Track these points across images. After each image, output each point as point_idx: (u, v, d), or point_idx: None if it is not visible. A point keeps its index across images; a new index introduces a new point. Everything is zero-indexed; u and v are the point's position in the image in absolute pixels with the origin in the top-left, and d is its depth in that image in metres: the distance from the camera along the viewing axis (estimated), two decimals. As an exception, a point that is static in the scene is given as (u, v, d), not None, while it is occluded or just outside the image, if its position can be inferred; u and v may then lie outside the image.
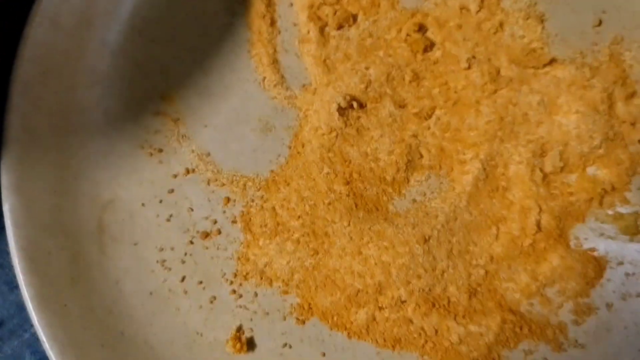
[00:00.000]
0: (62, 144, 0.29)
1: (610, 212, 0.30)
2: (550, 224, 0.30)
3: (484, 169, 0.30)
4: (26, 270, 0.26)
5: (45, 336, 0.26)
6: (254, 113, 0.31)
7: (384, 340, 0.29)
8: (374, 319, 0.29)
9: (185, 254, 0.30)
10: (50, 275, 0.27)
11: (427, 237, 0.29)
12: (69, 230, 0.28)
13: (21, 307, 0.31)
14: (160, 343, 0.28)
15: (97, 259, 0.29)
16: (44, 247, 0.27)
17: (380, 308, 0.29)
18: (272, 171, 0.30)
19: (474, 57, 0.31)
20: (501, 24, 0.32)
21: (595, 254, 0.29)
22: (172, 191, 0.30)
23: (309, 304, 0.29)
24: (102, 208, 0.29)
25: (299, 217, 0.30)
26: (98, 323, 0.27)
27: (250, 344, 0.29)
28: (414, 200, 0.30)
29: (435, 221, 0.29)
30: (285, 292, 0.29)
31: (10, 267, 0.30)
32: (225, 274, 0.29)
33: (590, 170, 0.30)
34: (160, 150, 0.31)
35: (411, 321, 0.29)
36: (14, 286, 0.31)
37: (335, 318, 0.29)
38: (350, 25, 0.32)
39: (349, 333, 0.29)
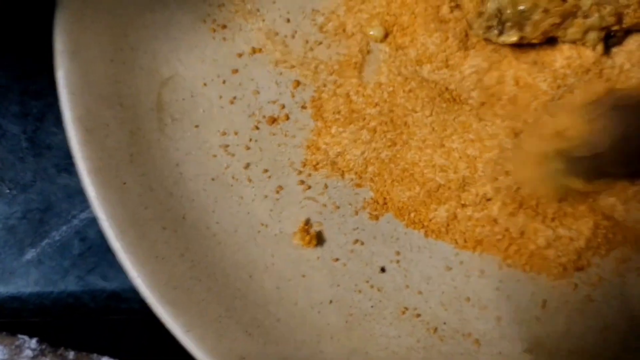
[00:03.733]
0: (119, 10, 0.26)
1: None
2: (651, 126, 0.27)
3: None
4: (83, 141, 0.24)
5: (104, 213, 0.24)
6: (327, -9, 0.28)
7: (465, 241, 0.26)
8: (455, 217, 0.26)
9: (250, 140, 0.27)
10: (108, 149, 0.24)
11: (517, 131, 0.26)
12: (127, 104, 0.26)
13: (69, 192, 0.29)
14: (223, 231, 0.26)
15: (157, 137, 0.26)
16: (101, 118, 0.25)
17: (463, 205, 0.26)
18: (346, 54, 0.28)
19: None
20: None
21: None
22: (236, 71, 0.27)
23: (384, 199, 0.27)
24: (161, 84, 0.27)
25: (375, 104, 0.27)
26: (159, 204, 0.25)
27: (319, 238, 0.26)
28: (502, 94, 0.27)
29: (527, 115, 0.27)
30: (359, 185, 0.27)
31: (58, 149, 0.28)
32: (293, 163, 0.27)
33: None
34: (224, 27, 0.28)
35: (496, 221, 0.26)
36: (62, 169, 0.29)
37: (412, 215, 0.26)
38: None
39: (426, 231, 0.26)
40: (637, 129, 0.24)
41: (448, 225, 0.26)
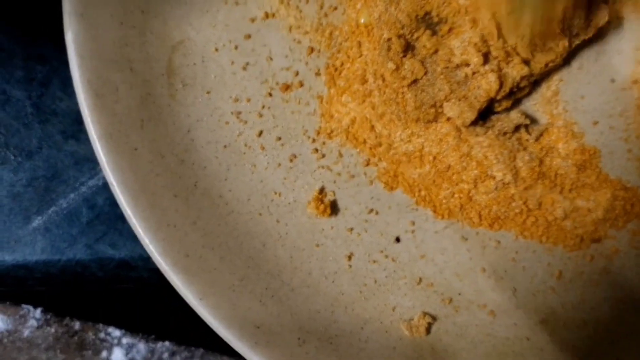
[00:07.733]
0: (129, -29, 0.25)
1: None
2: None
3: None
4: (93, 106, 0.23)
5: (115, 180, 0.23)
6: (342, -45, 0.27)
7: (480, 220, 0.26)
8: (470, 199, 0.26)
9: (263, 107, 0.26)
10: (118, 114, 0.24)
11: (536, 101, 0.26)
12: (137, 68, 0.25)
13: (77, 159, 0.28)
14: (236, 199, 0.25)
15: (167, 103, 0.25)
16: (111, 82, 0.24)
17: (477, 187, 0.26)
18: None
19: None
20: None
21: None
22: (249, 37, 0.27)
23: (395, 172, 0.26)
24: (172, 49, 0.26)
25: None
26: (170, 171, 0.25)
27: (334, 208, 0.26)
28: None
29: (546, 84, 0.26)
30: (373, 155, 0.26)
31: (65, 115, 0.27)
32: (307, 130, 0.26)
33: None
34: (237, -10, 0.27)
35: (513, 198, 0.26)
36: (68, 135, 0.28)
37: (422, 192, 0.26)
38: None
39: (436, 210, 0.26)
40: None
41: (462, 206, 0.26)
